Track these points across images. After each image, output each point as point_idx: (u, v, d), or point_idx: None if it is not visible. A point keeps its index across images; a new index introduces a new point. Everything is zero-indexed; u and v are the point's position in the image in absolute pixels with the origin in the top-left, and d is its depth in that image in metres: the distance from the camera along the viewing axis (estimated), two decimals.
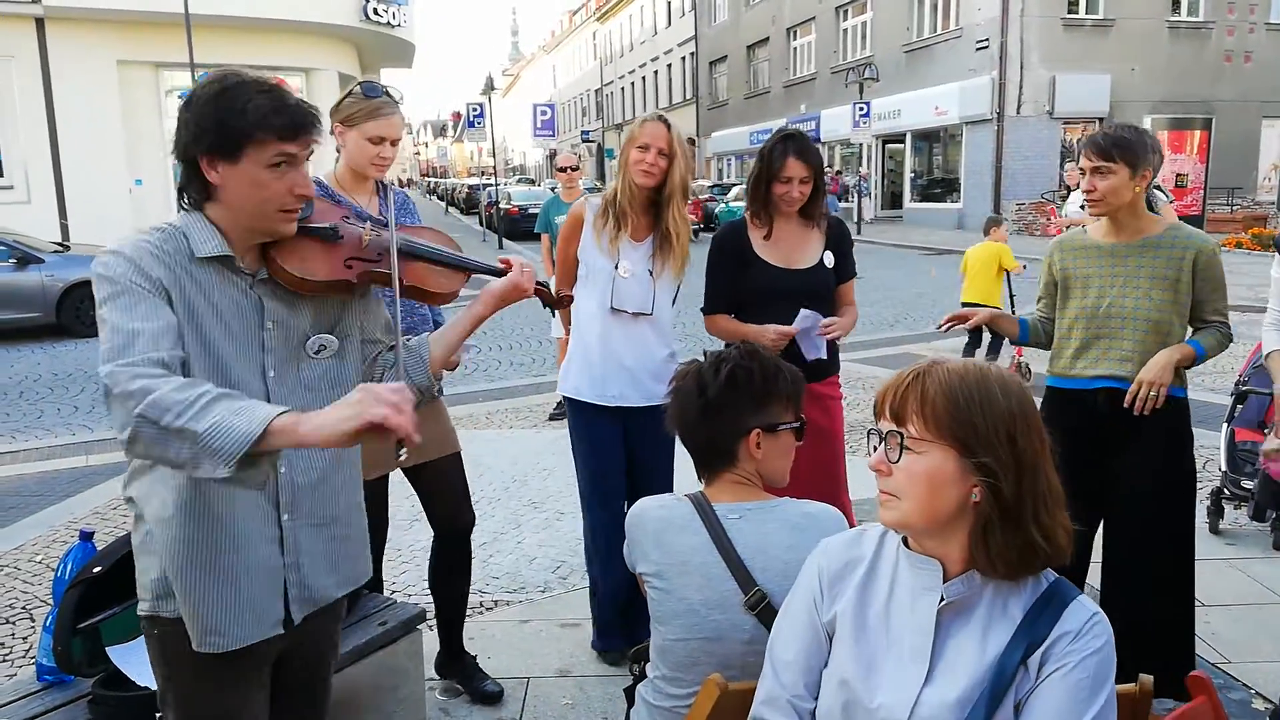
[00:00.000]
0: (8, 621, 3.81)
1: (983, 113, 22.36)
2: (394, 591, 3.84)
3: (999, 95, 21.90)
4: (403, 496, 3.01)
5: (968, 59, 22.66)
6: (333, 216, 1.80)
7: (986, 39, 22.03)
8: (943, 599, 1.36)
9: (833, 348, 3.19)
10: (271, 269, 1.69)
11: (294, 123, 1.60)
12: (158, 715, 1.92)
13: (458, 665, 3.10)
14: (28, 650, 3.52)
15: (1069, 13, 22.01)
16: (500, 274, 1.96)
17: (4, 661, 3.49)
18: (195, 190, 1.64)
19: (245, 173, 1.59)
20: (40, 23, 15.71)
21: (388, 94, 2.71)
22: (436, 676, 3.11)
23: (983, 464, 1.29)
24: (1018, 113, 21.92)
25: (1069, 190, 8.89)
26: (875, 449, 1.38)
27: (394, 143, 2.74)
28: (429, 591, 3.12)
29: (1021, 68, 21.69)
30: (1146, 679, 1.53)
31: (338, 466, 1.79)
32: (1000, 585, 1.35)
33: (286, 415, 1.40)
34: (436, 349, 1.89)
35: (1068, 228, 8.52)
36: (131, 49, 16.12)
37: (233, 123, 1.56)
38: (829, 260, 3.14)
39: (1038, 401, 1.46)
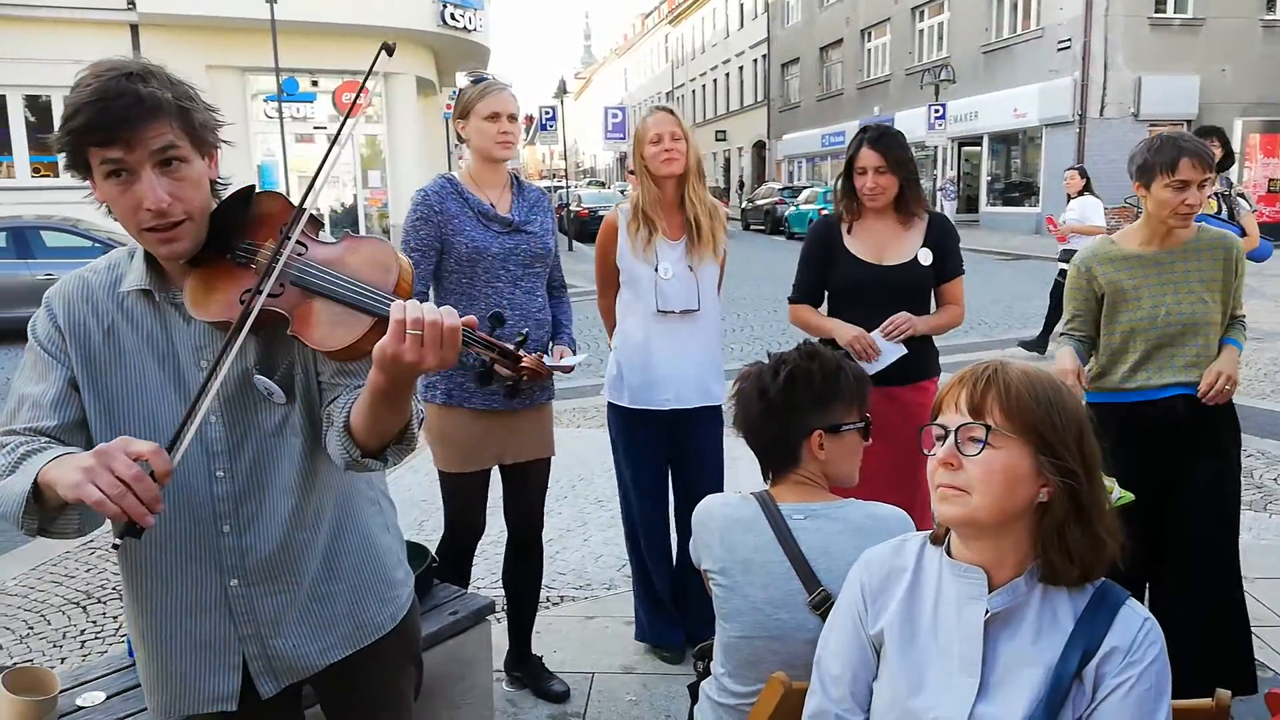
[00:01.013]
0: (99, 601, 4.00)
1: (1064, 115, 21.77)
2: None
3: (1081, 97, 21.30)
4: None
5: (1049, 59, 22.09)
6: (268, 228, 1.45)
7: (1069, 39, 21.45)
8: (988, 611, 1.34)
9: (930, 351, 3.13)
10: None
11: (95, 123, 1.28)
12: None
13: (524, 665, 3.16)
14: (118, 628, 3.69)
15: (1156, 11, 21.30)
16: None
17: (96, 639, 3.66)
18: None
19: (99, 190, 1.36)
20: (135, 29, 16.36)
21: (494, 79, 2.83)
22: (504, 673, 3.17)
23: (1061, 462, 1.29)
24: (1100, 115, 21.29)
25: (1068, 197, 8.70)
26: (939, 443, 1.35)
27: (511, 118, 2.79)
28: (498, 585, 3.19)
29: (1105, 68, 21.06)
30: (1224, 694, 1.49)
31: (291, 525, 1.53)
32: (1048, 592, 1.34)
33: (53, 462, 1.24)
34: (354, 420, 1.38)
35: (1070, 236, 8.39)
36: (220, 54, 16.67)
37: (60, 132, 1.32)
38: (925, 257, 3.06)
39: None
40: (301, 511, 1.54)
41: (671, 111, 3.08)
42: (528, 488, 3.01)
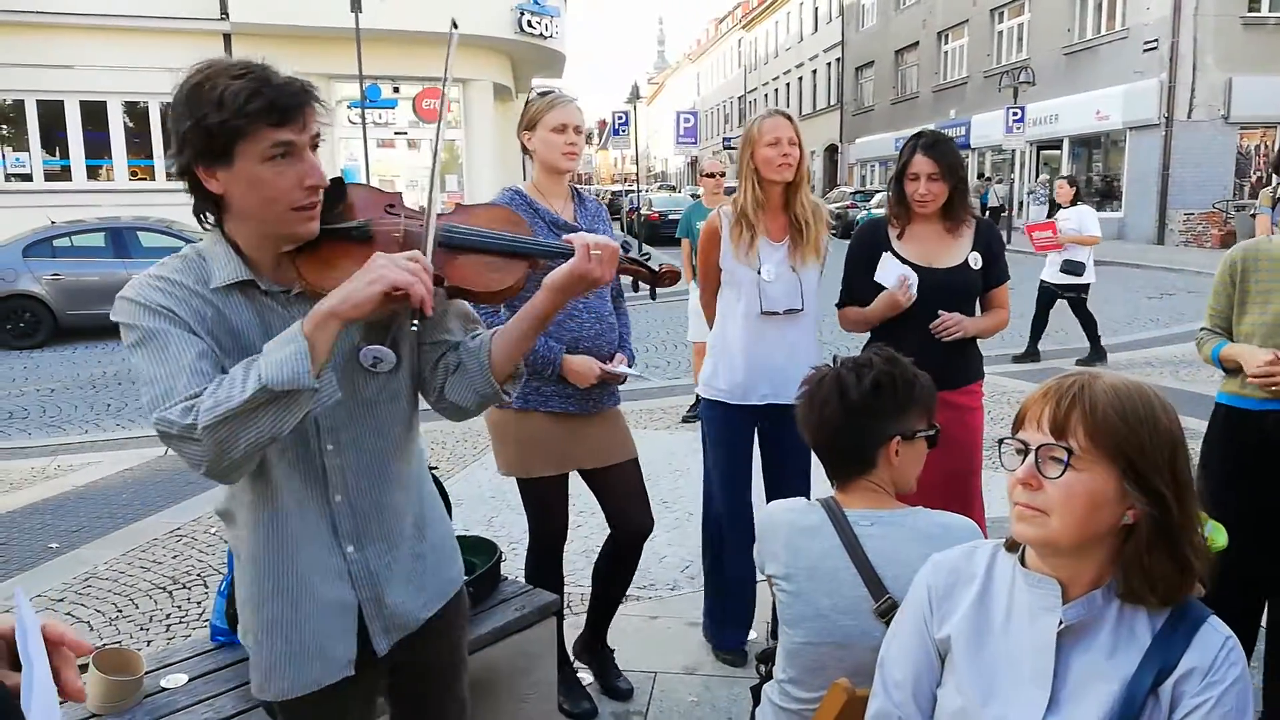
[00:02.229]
0: (184, 587, 4.16)
1: (1149, 117, 21.06)
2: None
3: (1168, 99, 20.58)
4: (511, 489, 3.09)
5: (1134, 60, 21.40)
6: (373, 209, 1.62)
7: (1155, 39, 20.76)
8: (1062, 622, 1.31)
9: (975, 354, 3.11)
10: (299, 280, 1.51)
11: (278, 104, 1.38)
12: None
13: (596, 655, 3.18)
14: (201, 613, 3.84)
15: (1249, 10, 20.47)
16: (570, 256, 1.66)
17: (180, 623, 3.82)
18: (206, 206, 1.47)
19: (243, 174, 1.40)
20: (228, 38, 16.98)
21: (561, 92, 2.86)
22: (573, 656, 3.20)
23: (1150, 487, 1.24)
24: (1188, 117, 20.54)
25: (1057, 206, 8.70)
26: (1020, 460, 1.31)
27: (577, 130, 2.82)
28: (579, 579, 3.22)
29: (1194, 69, 20.30)
30: None
31: (391, 487, 1.64)
32: (1125, 606, 1.30)
33: (306, 320, 1.35)
34: (498, 353, 1.61)
35: (1062, 245, 8.35)
36: (307, 62, 17.14)
37: (212, 119, 1.36)
38: (975, 262, 3.05)
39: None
40: (401, 474, 1.65)
41: (789, 117, 3.08)
42: (613, 492, 2.99)
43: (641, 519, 3.01)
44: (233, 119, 1.35)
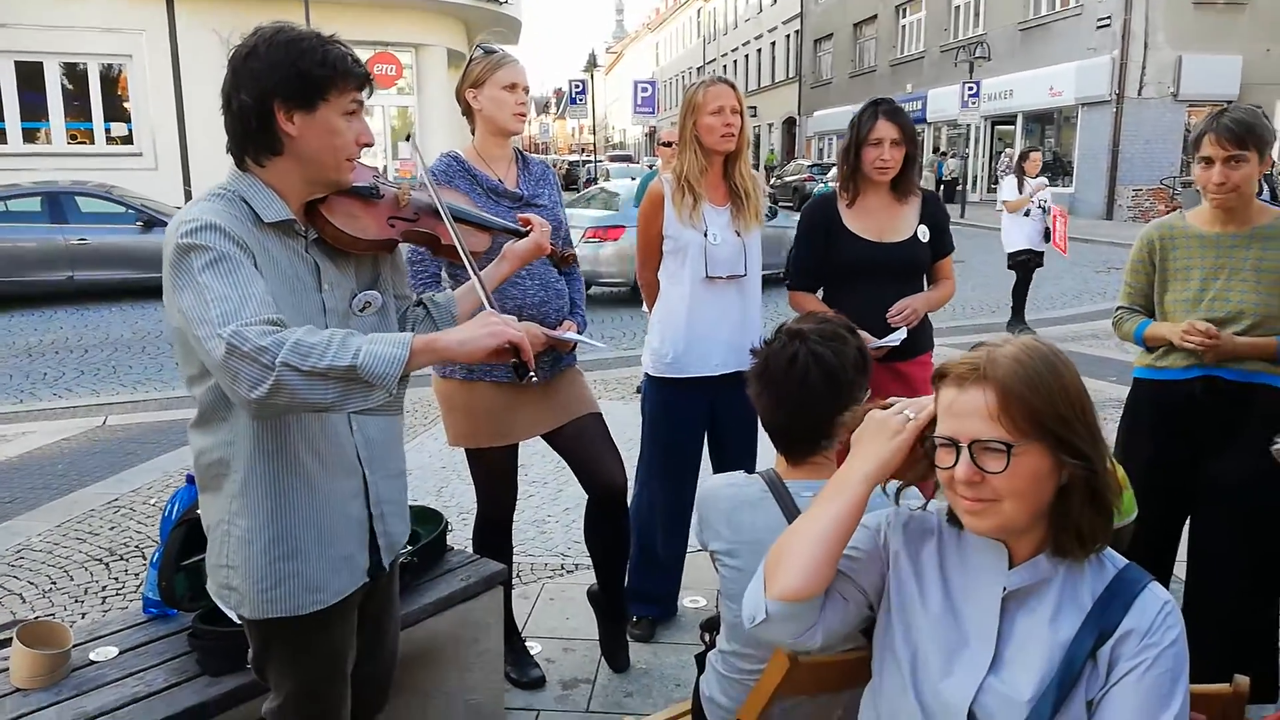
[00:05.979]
0: (121, 558, 4.06)
1: (1101, 94, 21.38)
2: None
3: (1119, 76, 20.89)
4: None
5: (1087, 38, 21.67)
6: (366, 177, 1.80)
7: (1108, 17, 21.02)
8: (1005, 589, 1.32)
9: (926, 325, 3.12)
10: (322, 229, 1.68)
11: (365, 71, 1.66)
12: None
13: (614, 623, 3.11)
14: (138, 585, 3.74)
15: None
16: (520, 234, 2.14)
17: (117, 595, 3.72)
18: (262, 145, 1.60)
19: (322, 121, 1.59)
20: (170, 1, 16.43)
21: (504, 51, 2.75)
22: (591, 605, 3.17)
23: (1076, 450, 1.25)
24: (1139, 94, 20.89)
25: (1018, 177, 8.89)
26: (956, 460, 1.27)
27: (525, 90, 2.73)
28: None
29: (1145, 47, 20.62)
30: (1242, 680, 1.46)
31: (394, 423, 1.87)
32: (1070, 570, 1.31)
33: (416, 337, 1.50)
34: (465, 305, 1.97)
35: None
36: (253, 25, 16.75)
37: (315, 71, 1.56)
38: (924, 235, 3.07)
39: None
40: (394, 404, 1.79)
41: (732, 85, 3.03)
42: (577, 446, 2.88)
43: (613, 468, 2.88)
44: (333, 74, 1.58)
